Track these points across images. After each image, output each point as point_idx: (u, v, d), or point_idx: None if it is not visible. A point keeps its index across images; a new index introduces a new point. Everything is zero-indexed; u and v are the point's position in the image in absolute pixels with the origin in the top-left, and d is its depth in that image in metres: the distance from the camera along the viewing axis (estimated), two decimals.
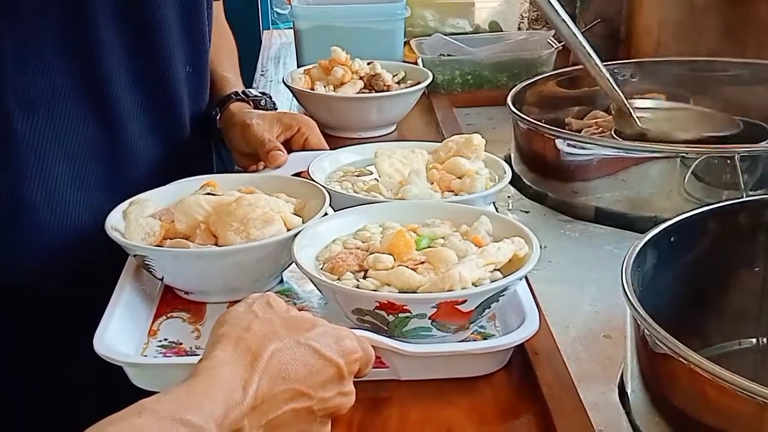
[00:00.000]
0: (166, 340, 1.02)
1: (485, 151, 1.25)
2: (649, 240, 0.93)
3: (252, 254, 1.04)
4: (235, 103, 1.48)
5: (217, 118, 1.48)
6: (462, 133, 1.29)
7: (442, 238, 1.01)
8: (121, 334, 0.98)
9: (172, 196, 1.13)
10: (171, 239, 1.06)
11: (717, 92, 1.56)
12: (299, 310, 0.85)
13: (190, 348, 1.00)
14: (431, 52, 1.99)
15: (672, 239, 0.96)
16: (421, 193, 1.15)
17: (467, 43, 2.00)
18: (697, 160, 1.23)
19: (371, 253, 0.98)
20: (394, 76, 1.73)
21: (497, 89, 1.88)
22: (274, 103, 1.55)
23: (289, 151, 1.38)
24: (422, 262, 0.96)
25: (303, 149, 1.41)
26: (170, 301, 1.10)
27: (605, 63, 1.69)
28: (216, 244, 1.05)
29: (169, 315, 1.07)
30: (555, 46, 1.96)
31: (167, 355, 0.99)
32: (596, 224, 1.31)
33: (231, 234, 1.04)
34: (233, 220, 1.05)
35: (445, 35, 2.04)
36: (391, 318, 0.91)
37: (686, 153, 1.24)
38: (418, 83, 1.70)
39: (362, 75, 1.70)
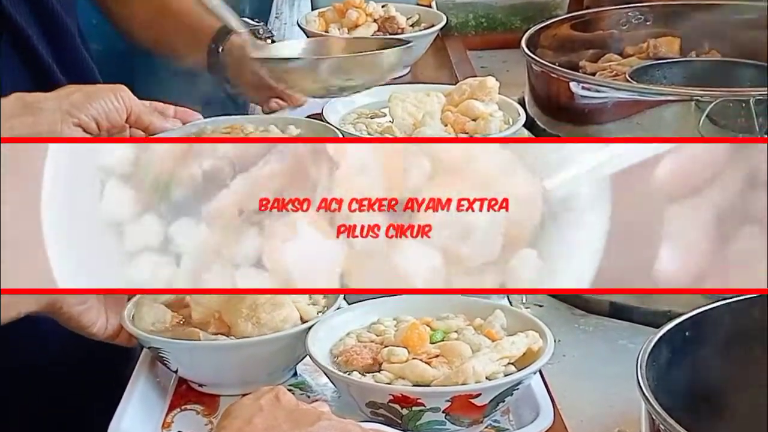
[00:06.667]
0: None
1: (499, 93, 1.26)
2: (663, 335, 0.93)
3: (267, 347, 1.04)
4: (237, 36, 1.40)
5: (219, 51, 1.41)
6: (476, 76, 1.30)
7: (456, 331, 1.01)
8: (135, 426, 0.98)
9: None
10: (183, 329, 1.07)
11: (733, 36, 1.53)
12: (313, 402, 0.85)
13: None
14: None
15: (687, 334, 0.96)
16: (434, 134, 1.15)
17: None
18: (712, 104, 1.21)
19: (385, 347, 0.98)
20: (408, 19, 1.74)
21: (511, 32, 1.87)
22: (272, 33, 1.49)
23: None
24: (436, 356, 0.96)
25: None
26: (184, 393, 1.09)
27: (618, 7, 1.67)
28: (228, 333, 1.06)
29: (183, 407, 1.07)
30: None
31: None
32: (610, 318, 1.31)
33: (241, 321, 1.04)
34: (242, 306, 1.05)
35: None
36: (404, 411, 0.91)
37: (701, 96, 1.23)
38: (432, 26, 1.71)
39: (376, 18, 1.71)
